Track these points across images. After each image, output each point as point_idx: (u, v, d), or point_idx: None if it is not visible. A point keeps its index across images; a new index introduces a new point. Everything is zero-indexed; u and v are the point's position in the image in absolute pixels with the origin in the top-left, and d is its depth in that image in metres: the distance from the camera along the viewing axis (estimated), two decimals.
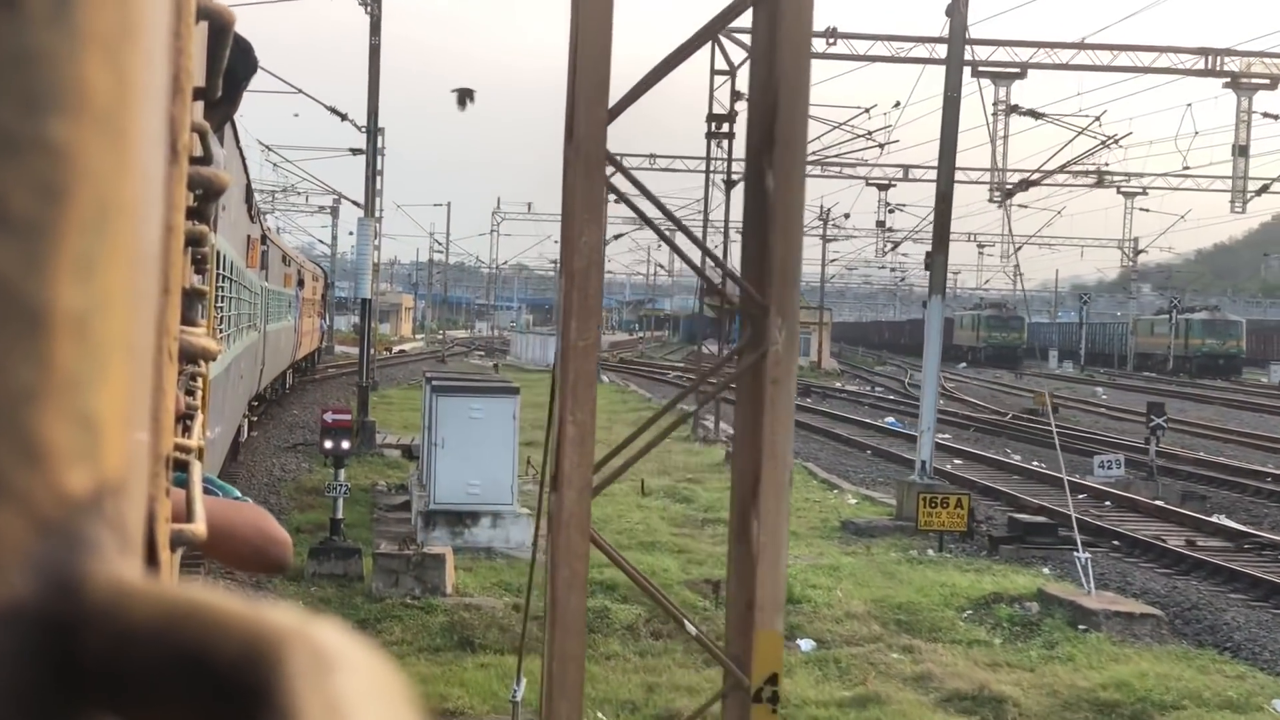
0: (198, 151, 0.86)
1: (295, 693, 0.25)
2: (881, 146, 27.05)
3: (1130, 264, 55.34)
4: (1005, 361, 52.92)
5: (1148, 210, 44.85)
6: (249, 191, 12.95)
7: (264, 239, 16.05)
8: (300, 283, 24.83)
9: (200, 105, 0.91)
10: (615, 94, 3.48)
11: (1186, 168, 31.04)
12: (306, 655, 0.25)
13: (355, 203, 27.23)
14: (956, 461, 17.49)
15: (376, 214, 17.54)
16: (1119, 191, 42.63)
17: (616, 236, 49.23)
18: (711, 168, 23.87)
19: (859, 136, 26.43)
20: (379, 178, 18.07)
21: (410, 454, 15.77)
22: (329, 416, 9.81)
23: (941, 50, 23.26)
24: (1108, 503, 14.20)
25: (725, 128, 21.85)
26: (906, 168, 38.87)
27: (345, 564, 9.24)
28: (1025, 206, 46.84)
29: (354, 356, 41.36)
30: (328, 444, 9.61)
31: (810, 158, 27.44)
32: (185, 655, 0.25)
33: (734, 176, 22.03)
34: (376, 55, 17.13)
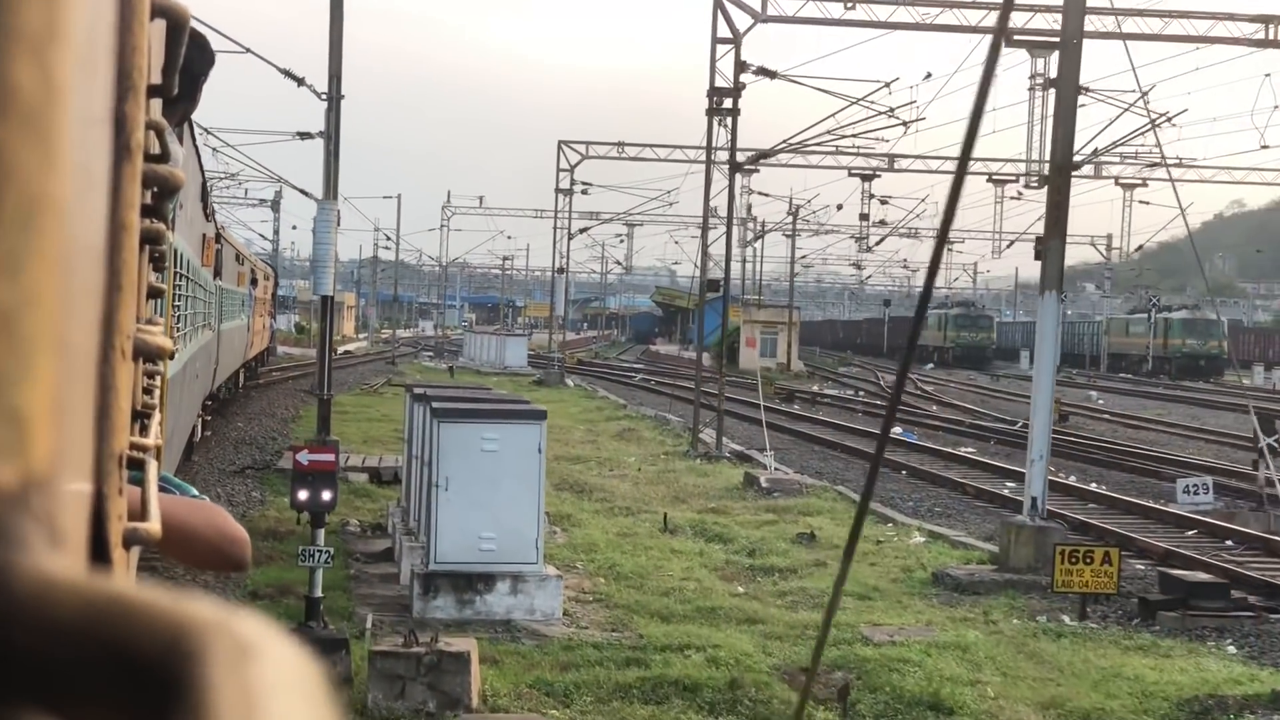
0: (155, 149, 0.96)
1: (213, 682, 0.31)
2: (906, 125, 26.88)
3: (1104, 259, 59.90)
4: (974, 362, 58.25)
5: (1147, 203, 48.14)
6: (204, 189, 13.96)
7: (219, 237, 17.60)
8: (253, 281, 27.24)
9: (158, 102, 1.01)
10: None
11: (1264, 145, 33.19)
12: (225, 646, 0.32)
13: (304, 191, 26.96)
14: (1010, 485, 17.47)
15: (337, 197, 17.47)
16: (1117, 183, 45.87)
17: (583, 230, 52.74)
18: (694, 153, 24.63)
19: (880, 114, 26.14)
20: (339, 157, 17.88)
21: (379, 478, 15.63)
22: (304, 457, 8.50)
23: (973, 16, 23.22)
24: (1229, 541, 13.89)
25: (728, 103, 21.79)
26: (892, 157, 40.37)
27: (327, 661, 7.85)
28: (1018, 198, 47.76)
29: (299, 359, 42.71)
30: (302, 494, 8.43)
31: (791, 144, 27.58)
32: (109, 647, 0.32)
33: (739, 158, 22.48)
34: (339, 8, 16.82)
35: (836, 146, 29.28)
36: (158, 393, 1.44)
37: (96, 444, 0.56)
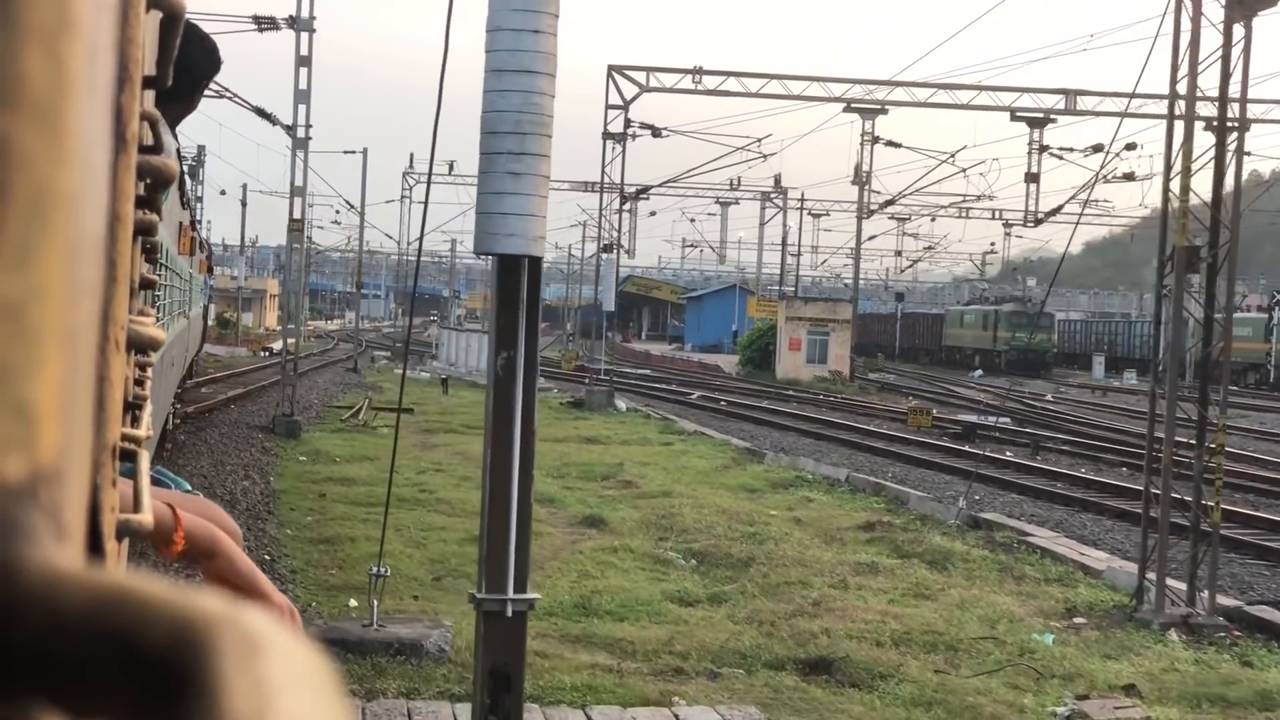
0: (148, 139, 0.98)
1: (223, 675, 0.32)
2: None
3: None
4: (1031, 369, 50.24)
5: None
6: (182, 176, 14.34)
7: (193, 224, 17.76)
8: (210, 268, 27.35)
9: (151, 93, 1.03)
10: None
11: None
12: (235, 639, 0.32)
13: (264, 113, 18.96)
14: None
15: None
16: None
17: (639, 192, 39.55)
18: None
19: None
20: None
21: None
22: None
23: None
24: None
25: None
26: (1068, 93, 31.36)
27: None
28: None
29: (227, 362, 32.55)
30: None
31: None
32: (116, 640, 0.32)
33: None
34: None
35: None
36: (148, 384, 1.47)
37: (92, 436, 0.58)
